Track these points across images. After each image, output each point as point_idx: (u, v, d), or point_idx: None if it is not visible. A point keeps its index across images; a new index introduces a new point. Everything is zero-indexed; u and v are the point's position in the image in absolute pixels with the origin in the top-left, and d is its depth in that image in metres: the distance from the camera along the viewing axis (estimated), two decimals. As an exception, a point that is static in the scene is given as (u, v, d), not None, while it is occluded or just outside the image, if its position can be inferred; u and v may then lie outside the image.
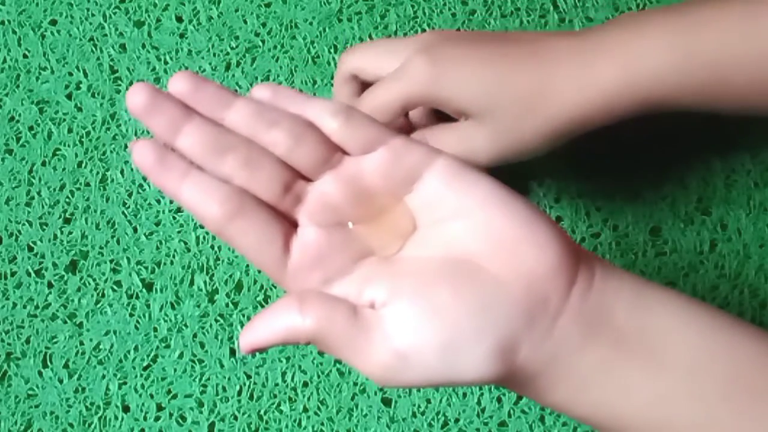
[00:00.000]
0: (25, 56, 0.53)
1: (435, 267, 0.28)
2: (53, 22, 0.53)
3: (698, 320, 0.28)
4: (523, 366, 0.27)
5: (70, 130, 0.51)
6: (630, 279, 0.29)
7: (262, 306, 0.49)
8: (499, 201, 0.28)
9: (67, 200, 0.50)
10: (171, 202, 0.50)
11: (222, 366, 0.48)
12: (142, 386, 0.48)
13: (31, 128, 0.51)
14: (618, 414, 0.27)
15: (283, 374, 0.48)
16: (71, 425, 0.47)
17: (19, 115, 0.52)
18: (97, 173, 0.51)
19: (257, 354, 0.48)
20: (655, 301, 0.28)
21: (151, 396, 0.48)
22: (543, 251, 0.27)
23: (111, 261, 0.49)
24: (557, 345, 0.27)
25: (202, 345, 0.48)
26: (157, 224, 0.50)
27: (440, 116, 0.43)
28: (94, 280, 0.49)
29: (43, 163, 0.51)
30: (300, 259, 0.28)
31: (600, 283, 0.28)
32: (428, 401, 0.47)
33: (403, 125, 0.43)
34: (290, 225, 0.29)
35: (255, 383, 0.48)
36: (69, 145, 0.51)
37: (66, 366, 0.48)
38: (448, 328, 0.26)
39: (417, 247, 0.29)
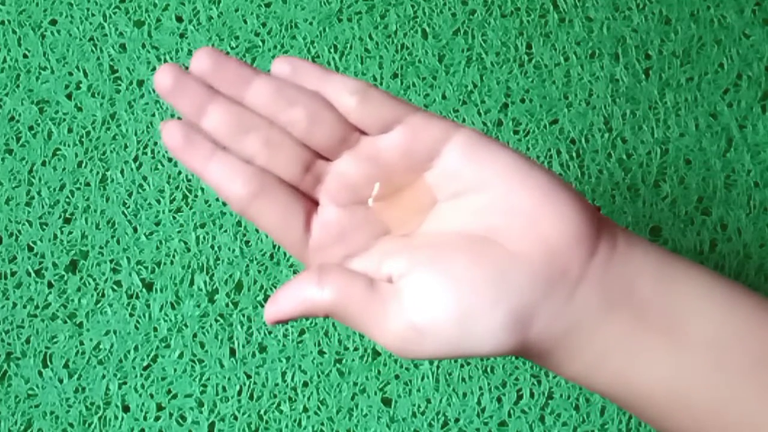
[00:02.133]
0: (25, 56, 0.53)
1: (452, 239, 0.28)
2: (53, 22, 0.53)
3: (722, 295, 0.27)
4: (542, 336, 0.27)
5: (70, 130, 0.51)
6: (654, 251, 0.28)
7: (262, 306, 0.49)
8: (519, 172, 0.28)
9: (67, 200, 0.50)
10: (171, 201, 0.50)
11: (222, 366, 0.48)
12: (142, 386, 0.48)
13: (31, 128, 0.51)
14: (638, 387, 0.27)
15: (283, 374, 0.48)
16: (71, 425, 0.47)
17: (19, 115, 0.52)
18: (97, 173, 0.51)
19: (257, 354, 0.48)
20: (680, 275, 0.28)
21: (151, 396, 0.48)
22: (563, 221, 0.27)
23: (111, 261, 0.49)
24: (577, 313, 0.26)
25: (202, 345, 0.48)
26: (157, 224, 0.50)
27: None
28: (94, 280, 0.49)
29: (43, 163, 0.51)
30: (321, 238, 0.29)
31: (622, 254, 0.27)
32: (428, 401, 0.47)
33: None
34: (311, 204, 0.30)
35: (255, 383, 0.47)
36: (69, 145, 0.51)
37: (66, 366, 0.48)
38: (465, 297, 0.26)
39: (436, 221, 0.29)
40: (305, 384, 0.47)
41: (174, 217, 0.50)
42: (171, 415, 0.47)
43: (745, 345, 0.27)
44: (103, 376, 0.48)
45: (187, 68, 0.31)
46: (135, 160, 0.51)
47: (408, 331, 0.26)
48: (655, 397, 0.27)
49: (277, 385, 0.47)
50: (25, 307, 0.49)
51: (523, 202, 0.27)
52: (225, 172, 0.28)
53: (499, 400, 0.47)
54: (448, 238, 0.28)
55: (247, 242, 0.49)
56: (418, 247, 0.28)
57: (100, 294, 0.49)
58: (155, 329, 0.48)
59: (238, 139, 0.29)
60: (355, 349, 0.48)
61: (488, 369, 0.48)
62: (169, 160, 0.51)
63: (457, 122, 0.29)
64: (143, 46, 0.53)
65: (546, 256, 0.26)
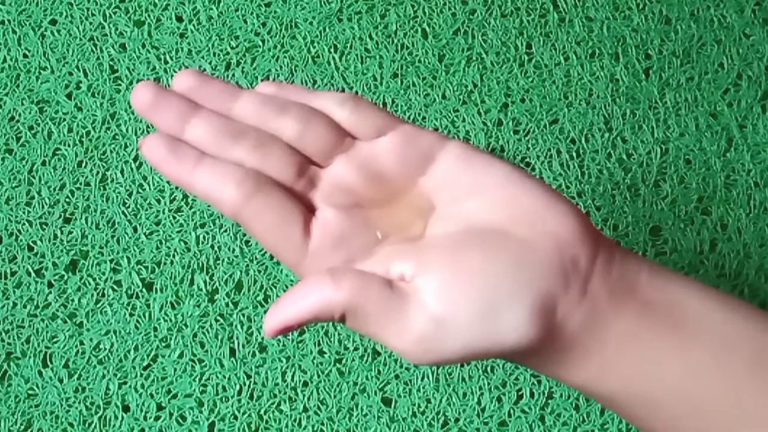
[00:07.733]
0: (25, 56, 0.53)
1: (461, 236, 0.27)
2: (53, 22, 0.53)
3: (718, 300, 0.28)
4: (561, 328, 0.26)
5: (70, 130, 0.51)
6: (648, 262, 0.28)
7: (262, 306, 0.48)
8: (517, 179, 0.28)
9: (67, 200, 0.50)
10: (171, 201, 0.50)
11: (222, 366, 0.48)
12: (142, 386, 0.48)
13: (31, 128, 0.51)
14: (647, 388, 0.27)
15: (283, 374, 0.48)
16: (71, 425, 0.47)
17: (19, 115, 0.52)
18: (97, 173, 0.51)
19: (257, 353, 0.48)
20: (676, 282, 0.28)
21: (151, 396, 0.48)
22: (566, 220, 0.27)
23: (111, 261, 0.49)
24: (590, 308, 0.26)
25: (202, 345, 0.48)
26: (157, 224, 0.50)
27: None
28: (94, 280, 0.49)
29: (43, 163, 0.51)
30: (322, 241, 0.28)
31: (620, 260, 0.28)
32: (428, 401, 0.47)
33: None
34: (307, 208, 0.28)
35: (255, 383, 0.47)
36: (69, 145, 0.51)
37: (66, 366, 0.48)
38: (486, 288, 0.25)
39: (440, 224, 0.28)
40: (305, 384, 0.47)
41: (174, 217, 0.50)
42: (171, 415, 0.47)
43: (745, 345, 0.27)
44: (103, 376, 0.48)
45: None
46: (135, 160, 0.51)
47: (428, 328, 0.25)
48: (664, 399, 0.27)
49: (277, 385, 0.47)
50: (25, 307, 0.49)
51: (526, 203, 0.27)
52: (215, 175, 0.27)
53: (499, 400, 0.47)
54: (455, 236, 0.27)
55: (247, 242, 0.49)
56: (427, 247, 0.27)
57: (100, 294, 0.49)
58: (155, 329, 0.48)
59: (227, 145, 0.28)
60: (355, 349, 0.48)
61: (488, 369, 0.48)
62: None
63: (446, 135, 0.29)
64: (143, 46, 0.53)
65: (556, 245, 0.26)
